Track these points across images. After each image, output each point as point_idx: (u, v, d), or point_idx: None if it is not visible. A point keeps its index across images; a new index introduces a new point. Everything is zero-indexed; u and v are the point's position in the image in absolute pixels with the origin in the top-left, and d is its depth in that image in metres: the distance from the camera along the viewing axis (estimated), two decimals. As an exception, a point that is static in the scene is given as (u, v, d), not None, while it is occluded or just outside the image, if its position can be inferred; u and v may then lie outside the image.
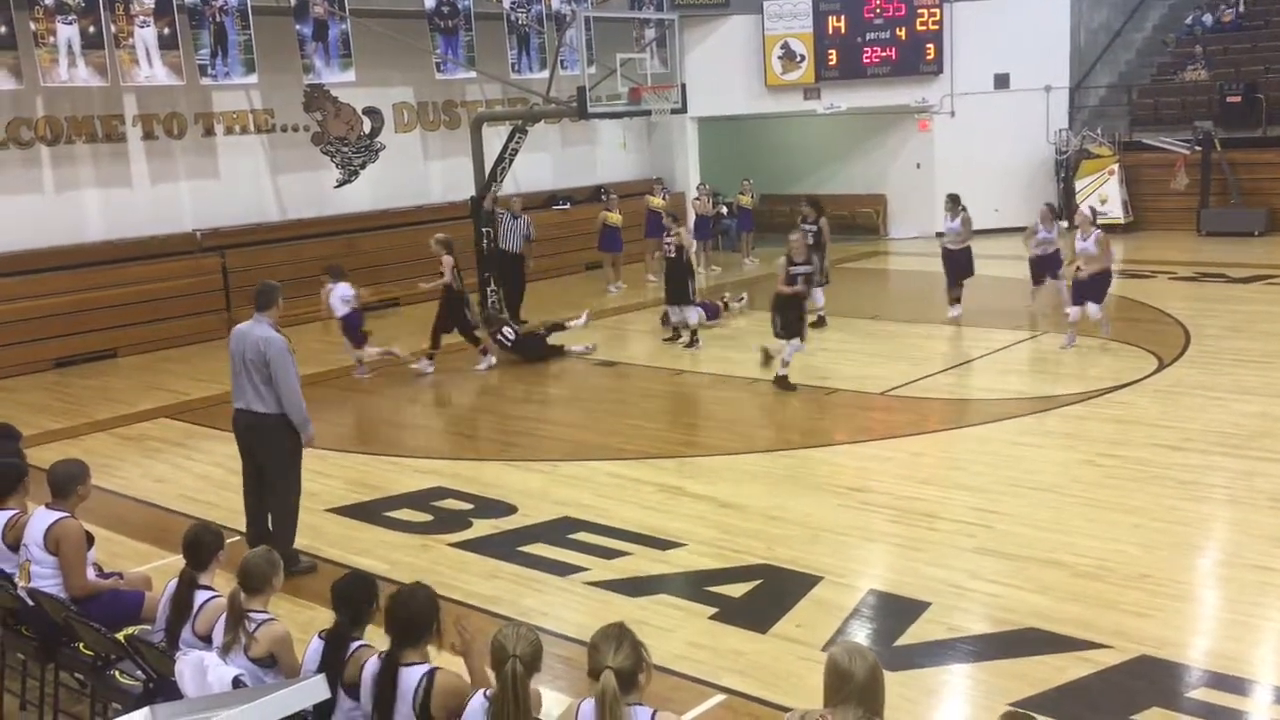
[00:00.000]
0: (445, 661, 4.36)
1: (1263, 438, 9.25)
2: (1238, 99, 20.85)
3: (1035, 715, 3.72)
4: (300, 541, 8.03)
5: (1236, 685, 5.58)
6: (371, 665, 4.23)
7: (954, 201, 14.64)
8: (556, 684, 5.66)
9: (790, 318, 11.65)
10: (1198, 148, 20.89)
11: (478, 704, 3.95)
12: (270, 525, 7.57)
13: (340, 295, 13.13)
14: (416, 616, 4.23)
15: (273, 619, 4.73)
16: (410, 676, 4.13)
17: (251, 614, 4.69)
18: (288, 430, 7.41)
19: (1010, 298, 15.44)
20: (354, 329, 13.39)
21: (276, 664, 4.65)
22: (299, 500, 7.67)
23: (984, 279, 15.51)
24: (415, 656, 4.20)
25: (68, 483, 5.90)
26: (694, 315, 13.97)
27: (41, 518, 5.81)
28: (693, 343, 13.92)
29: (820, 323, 14.50)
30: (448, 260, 13.17)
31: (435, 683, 4.11)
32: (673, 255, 14.01)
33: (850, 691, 3.41)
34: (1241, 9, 23.49)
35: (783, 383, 11.62)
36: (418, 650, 4.22)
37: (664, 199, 19.91)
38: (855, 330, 13.52)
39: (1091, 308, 12.64)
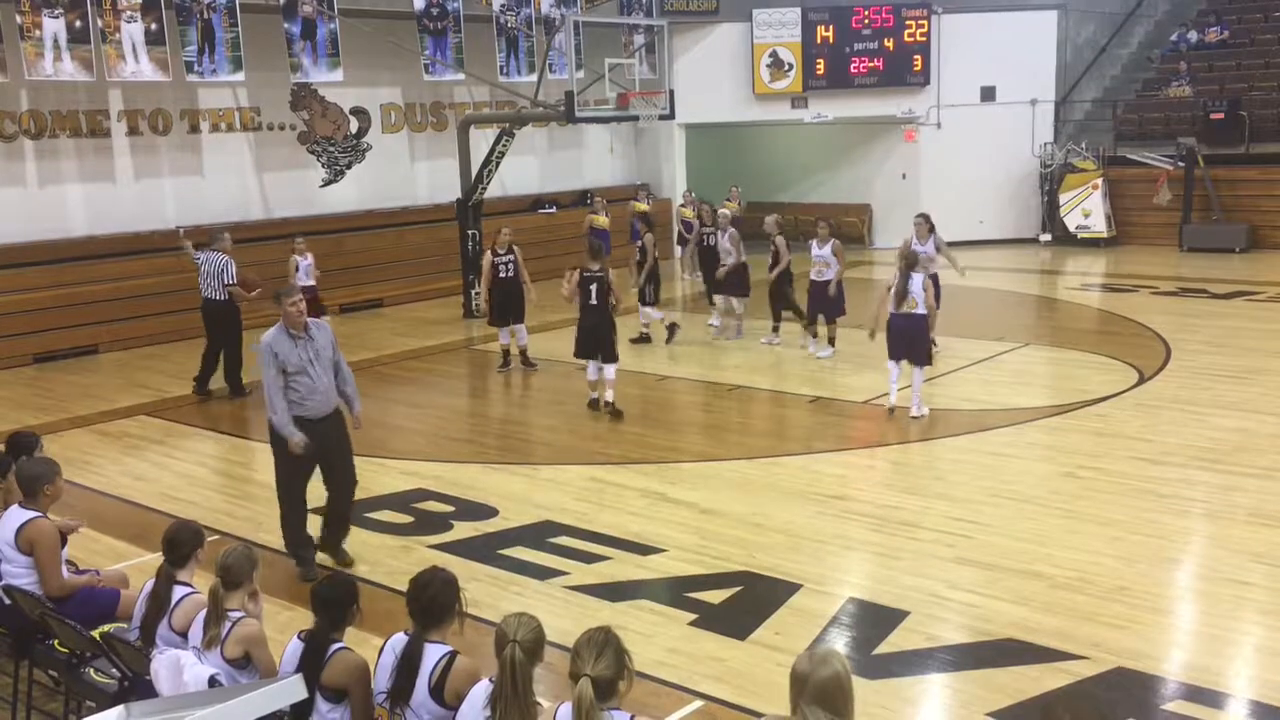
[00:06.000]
0: (466, 648, 4.40)
1: (1241, 453, 9.32)
2: (1221, 116, 21.02)
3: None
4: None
5: (1212, 698, 5.60)
6: (395, 642, 4.32)
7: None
8: (535, 686, 5.63)
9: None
10: (1181, 164, 21.04)
11: (481, 689, 4.01)
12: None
13: None
14: (437, 598, 4.32)
15: (245, 617, 4.72)
16: (431, 655, 4.24)
17: (228, 613, 4.68)
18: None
19: (992, 309, 15.52)
20: None
21: (251, 664, 4.63)
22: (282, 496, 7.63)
23: (966, 290, 15.58)
24: (437, 638, 4.32)
25: (33, 483, 5.81)
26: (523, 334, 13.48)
27: (13, 517, 5.75)
28: (507, 364, 13.52)
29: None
30: None
31: (454, 665, 4.21)
32: (510, 275, 13.15)
33: (807, 693, 3.36)
34: (1226, 27, 23.69)
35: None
36: (440, 632, 4.33)
37: (648, 204, 19.97)
38: (839, 339, 13.53)
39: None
